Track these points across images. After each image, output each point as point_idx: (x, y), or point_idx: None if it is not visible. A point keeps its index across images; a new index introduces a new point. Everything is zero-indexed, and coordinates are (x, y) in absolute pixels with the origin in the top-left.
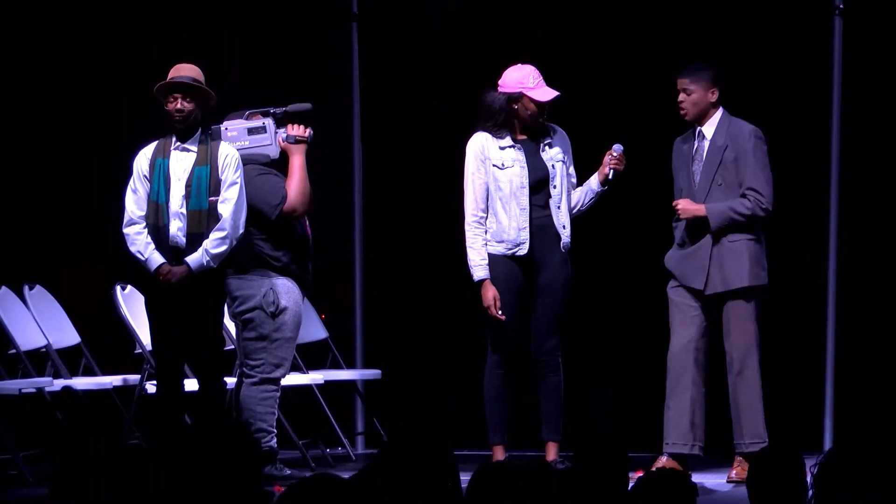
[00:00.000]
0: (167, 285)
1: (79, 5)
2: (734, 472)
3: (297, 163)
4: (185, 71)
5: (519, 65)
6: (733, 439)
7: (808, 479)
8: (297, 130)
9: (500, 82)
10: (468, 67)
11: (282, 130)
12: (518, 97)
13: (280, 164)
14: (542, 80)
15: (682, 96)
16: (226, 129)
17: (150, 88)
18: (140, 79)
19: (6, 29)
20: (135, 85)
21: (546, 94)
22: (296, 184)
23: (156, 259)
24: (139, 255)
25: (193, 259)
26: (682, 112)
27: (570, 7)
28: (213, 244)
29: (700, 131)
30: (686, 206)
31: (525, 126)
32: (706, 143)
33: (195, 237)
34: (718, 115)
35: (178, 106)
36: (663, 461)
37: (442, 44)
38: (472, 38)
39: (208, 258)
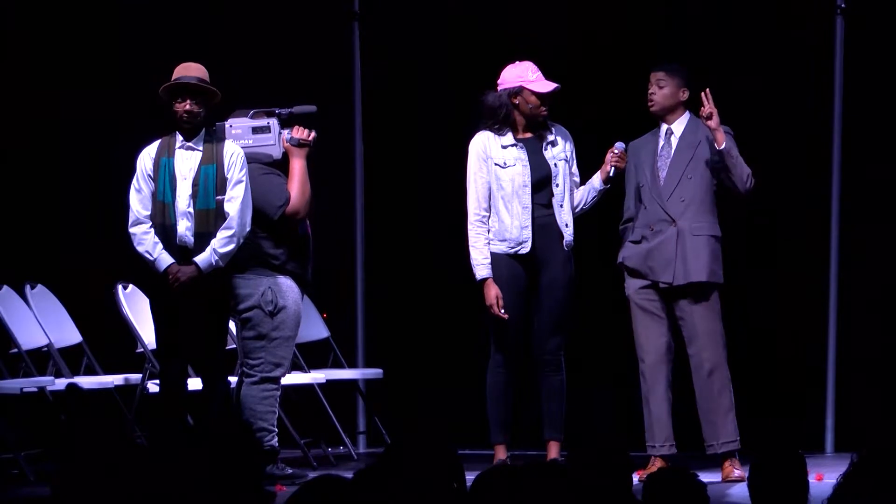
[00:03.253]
0: (176, 285)
1: (80, 4)
2: (734, 472)
3: (298, 166)
4: (192, 71)
5: (517, 62)
6: (704, 439)
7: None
8: (302, 133)
9: (499, 81)
10: (469, 67)
11: (286, 131)
12: (518, 91)
13: (282, 165)
14: (540, 73)
15: (653, 88)
16: (230, 126)
17: (151, 87)
18: (141, 77)
19: (6, 27)
20: (136, 84)
21: (546, 85)
22: (297, 186)
23: (165, 259)
24: (147, 255)
25: (202, 259)
26: (649, 104)
27: (570, 6)
28: (221, 243)
29: (669, 129)
30: (716, 116)
31: (527, 121)
32: (674, 140)
33: (203, 236)
34: (686, 115)
35: (187, 108)
36: (658, 464)
37: (443, 43)
38: (474, 38)
39: (217, 257)
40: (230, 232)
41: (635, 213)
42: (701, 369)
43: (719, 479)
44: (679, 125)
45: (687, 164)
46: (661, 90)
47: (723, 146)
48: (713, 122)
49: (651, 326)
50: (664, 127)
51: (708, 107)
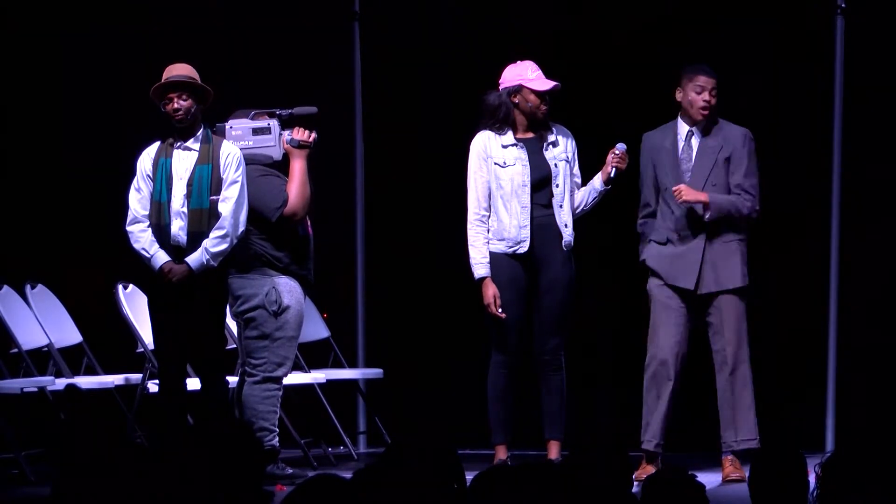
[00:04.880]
0: (169, 284)
1: (81, 4)
2: (734, 472)
3: (298, 167)
4: (179, 70)
5: (517, 61)
6: (721, 437)
7: (812, 478)
8: (303, 135)
9: (500, 80)
10: (470, 66)
11: (286, 133)
12: (518, 90)
13: (282, 166)
14: (541, 72)
15: (709, 96)
16: (230, 127)
17: (153, 89)
18: (142, 79)
19: (6, 27)
20: (137, 85)
21: (545, 83)
22: (296, 188)
23: (160, 258)
24: (144, 253)
25: (193, 259)
26: (705, 110)
27: (571, 6)
28: (213, 243)
29: (690, 131)
30: (688, 192)
31: (528, 120)
32: (696, 143)
33: (196, 236)
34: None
35: (176, 105)
36: (647, 466)
37: (444, 43)
38: (474, 37)
39: (208, 257)
40: (222, 232)
41: (659, 211)
42: (724, 367)
43: (719, 480)
44: (699, 128)
45: (710, 170)
46: (715, 99)
47: (707, 216)
48: (687, 197)
49: (669, 324)
50: (685, 128)
51: (676, 191)
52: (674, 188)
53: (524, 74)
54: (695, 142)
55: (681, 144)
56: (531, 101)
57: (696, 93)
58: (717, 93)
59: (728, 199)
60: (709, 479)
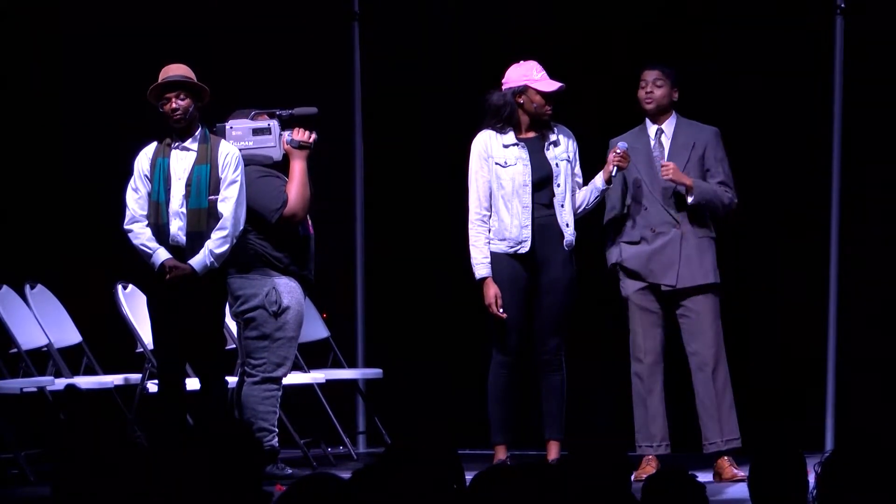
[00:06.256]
0: (169, 283)
1: (81, 4)
2: (736, 472)
3: (298, 168)
4: (175, 70)
5: (521, 61)
6: (706, 438)
7: (812, 479)
8: (303, 135)
9: (503, 80)
10: (470, 66)
11: (287, 133)
12: (523, 90)
13: (282, 167)
14: (545, 73)
15: (650, 87)
16: (231, 127)
17: (150, 89)
18: (141, 79)
19: (6, 27)
20: (136, 85)
21: (551, 84)
22: (296, 189)
23: (161, 254)
24: (145, 249)
25: (197, 261)
26: (648, 102)
27: (570, 6)
28: (216, 244)
29: (659, 129)
30: (675, 172)
31: (531, 120)
32: (665, 141)
33: (195, 236)
34: (674, 115)
35: (173, 105)
36: (653, 464)
37: (443, 43)
38: (474, 37)
39: (212, 259)
40: (224, 233)
41: (626, 212)
42: (705, 367)
43: (712, 479)
44: (669, 126)
45: (684, 166)
46: (660, 89)
47: (691, 199)
48: (674, 176)
49: (650, 327)
50: (653, 127)
51: (665, 168)
52: (662, 164)
53: (529, 75)
54: (665, 140)
55: (652, 142)
56: (536, 101)
57: (639, 89)
58: (662, 83)
59: (711, 186)
60: (708, 479)
